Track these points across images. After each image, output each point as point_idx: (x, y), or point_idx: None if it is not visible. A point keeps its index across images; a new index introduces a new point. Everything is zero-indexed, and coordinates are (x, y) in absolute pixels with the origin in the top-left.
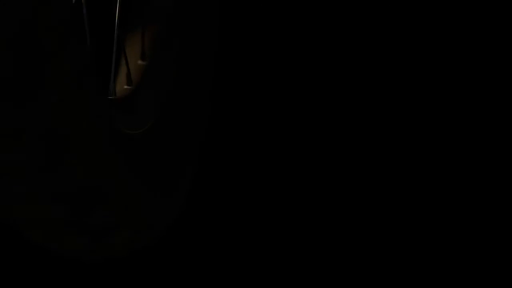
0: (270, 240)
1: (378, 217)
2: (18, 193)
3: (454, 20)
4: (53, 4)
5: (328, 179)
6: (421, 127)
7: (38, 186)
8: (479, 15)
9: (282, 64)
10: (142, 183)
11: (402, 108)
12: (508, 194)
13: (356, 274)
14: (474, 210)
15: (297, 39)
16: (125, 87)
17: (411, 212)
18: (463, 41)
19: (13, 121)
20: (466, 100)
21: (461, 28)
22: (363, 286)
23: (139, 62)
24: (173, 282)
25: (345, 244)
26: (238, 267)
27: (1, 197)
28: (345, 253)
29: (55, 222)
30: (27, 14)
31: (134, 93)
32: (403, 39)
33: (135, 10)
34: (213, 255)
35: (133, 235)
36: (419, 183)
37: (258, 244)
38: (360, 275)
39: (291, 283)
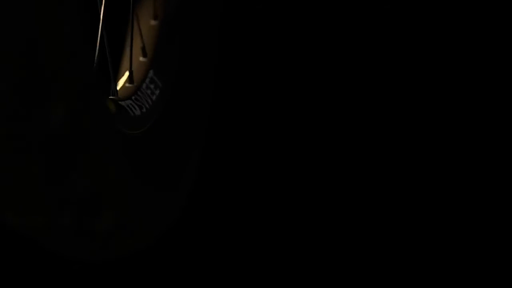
0: (270, 240)
1: (378, 217)
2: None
3: (454, 20)
4: (60, 22)
5: (328, 179)
6: (421, 127)
7: (39, 193)
8: (479, 15)
9: (282, 64)
10: (143, 184)
11: (402, 108)
12: (508, 194)
13: (356, 274)
14: (474, 210)
15: (297, 39)
16: (127, 85)
17: (411, 212)
18: (463, 41)
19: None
20: (466, 100)
21: (461, 28)
22: (363, 286)
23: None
24: (173, 282)
25: (345, 244)
26: (238, 267)
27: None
28: (345, 253)
29: (57, 228)
30: (34, 34)
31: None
32: (403, 39)
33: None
34: (213, 255)
35: (134, 235)
36: (419, 183)
37: (258, 244)
38: (360, 275)
39: (291, 283)
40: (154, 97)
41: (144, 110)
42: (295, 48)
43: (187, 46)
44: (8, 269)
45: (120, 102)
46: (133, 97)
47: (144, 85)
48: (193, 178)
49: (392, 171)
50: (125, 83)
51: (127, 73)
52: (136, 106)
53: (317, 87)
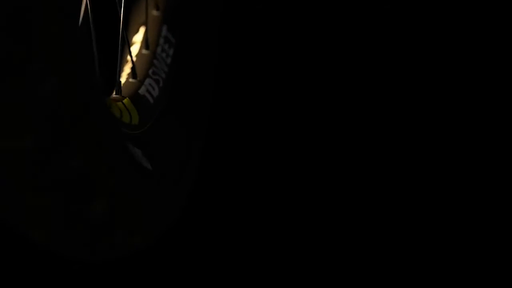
0: (270, 240)
1: (378, 217)
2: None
3: (454, 20)
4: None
5: (328, 180)
6: (421, 127)
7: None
8: (479, 15)
9: (283, 64)
10: (143, 184)
11: (401, 108)
12: (508, 194)
13: (356, 274)
14: (474, 210)
15: (297, 39)
16: (130, 80)
17: (411, 212)
18: (463, 41)
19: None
20: (466, 100)
21: (461, 28)
22: (363, 286)
23: (144, 51)
24: (173, 282)
25: (345, 244)
26: (238, 267)
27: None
28: (345, 253)
29: (55, 212)
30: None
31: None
32: (403, 39)
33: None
34: (213, 255)
35: (134, 235)
36: (419, 183)
37: (258, 244)
38: (360, 275)
39: (291, 283)
40: (169, 60)
41: (161, 84)
42: (295, 48)
43: (188, 44)
44: (8, 269)
45: (139, 89)
46: (150, 71)
47: (159, 48)
48: (193, 177)
49: (392, 171)
50: (128, 78)
51: (129, 68)
52: (154, 84)
53: (317, 87)
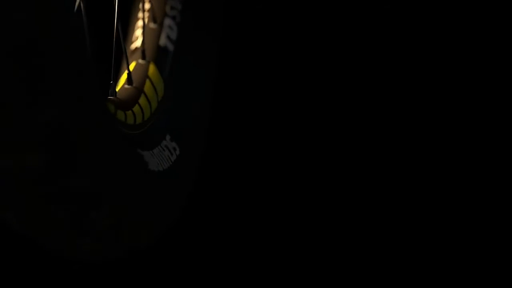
0: (270, 240)
1: (378, 217)
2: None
3: (454, 20)
4: None
5: (328, 180)
6: (421, 127)
7: (39, 187)
8: (479, 15)
9: (283, 64)
10: (143, 184)
11: (402, 108)
12: (508, 194)
13: (356, 274)
14: (474, 210)
15: (297, 39)
16: (126, 86)
17: (411, 212)
18: (463, 41)
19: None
20: (466, 100)
21: (461, 28)
22: (363, 286)
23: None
24: (173, 282)
25: (345, 244)
26: (238, 267)
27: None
28: (345, 253)
29: (55, 223)
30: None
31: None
32: (403, 39)
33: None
34: (213, 255)
35: (134, 236)
36: (420, 183)
37: (258, 244)
38: (360, 275)
39: (291, 283)
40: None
41: (177, 20)
42: (295, 47)
43: (189, 44)
44: (8, 269)
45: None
46: (167, 8)
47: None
48: (194, 178)
49: (392, 171)
50: (124, 84)
51: (125, 74)
52: (172, 24)
53: (317, 87)
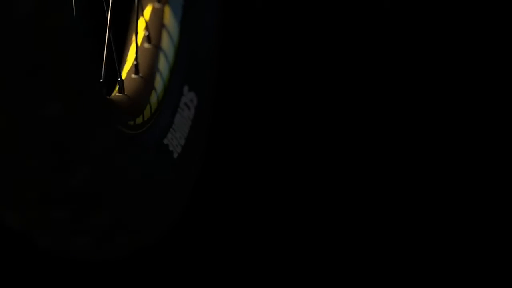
0: (271, 240)
1: (378, 217)
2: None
3: (454, 20)
4: None
5: (328, 180)
6: (421, 127)
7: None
8: (479, 15)
9: (283, 64)
10: (143, 184)
11: (402, 108)
12: (508, 194)
13: (356, 274)
14: (474, 210)
15: (297, 38)
16: (133, 76)
17: (411, 212)
18: (463, 41)
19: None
20: (466, 100)
21: (461, 28)
22: (363, 286)
23: (146, 45)
24: (173, 282)
25: (345, 244)
26: (238, 267)
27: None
28: (345, 254)
29: (55, 224)
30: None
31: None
32: (403, 38)
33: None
34: (214, 255)
35: (134, 236)
36: (419, 183)
37: (258, 244)
38: (360, 275)
39: (291, 283)
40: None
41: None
42: (294, 47)
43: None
44: (8, 269)
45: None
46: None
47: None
48: (194, 178)
49: (392, 171)
50: (130, 73)
51: (131, 63)
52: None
53: (317, 87)
